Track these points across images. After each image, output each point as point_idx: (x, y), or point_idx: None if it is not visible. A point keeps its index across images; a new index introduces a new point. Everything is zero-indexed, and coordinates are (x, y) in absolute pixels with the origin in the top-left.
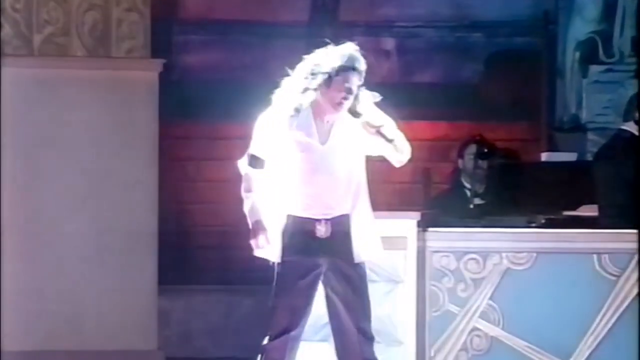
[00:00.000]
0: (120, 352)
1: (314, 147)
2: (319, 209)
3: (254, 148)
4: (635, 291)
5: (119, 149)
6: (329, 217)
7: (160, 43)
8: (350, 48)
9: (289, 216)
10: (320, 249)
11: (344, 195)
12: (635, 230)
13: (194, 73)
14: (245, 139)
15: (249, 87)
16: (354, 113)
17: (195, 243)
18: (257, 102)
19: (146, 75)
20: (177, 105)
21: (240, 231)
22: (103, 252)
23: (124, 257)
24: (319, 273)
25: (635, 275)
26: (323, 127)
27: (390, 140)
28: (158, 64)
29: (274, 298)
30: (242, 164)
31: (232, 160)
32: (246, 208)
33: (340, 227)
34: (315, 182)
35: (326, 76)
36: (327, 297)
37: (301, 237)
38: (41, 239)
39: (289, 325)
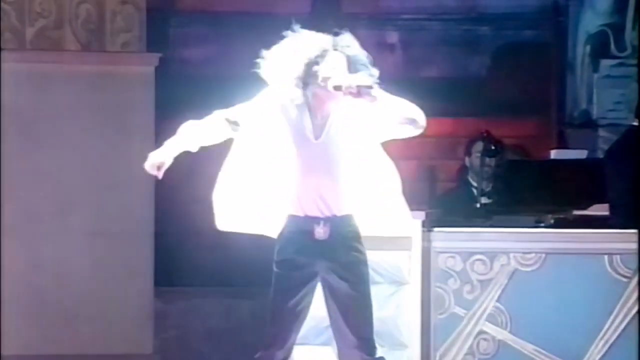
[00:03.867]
0: (116, 356)
1: (308, 142)
2: (317, 208)
3: (233, 113)
4: None
5: (114, 146)
6: (329, 216)
7: (157, 36)
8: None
9: (289, 216)
10: (318, 251)
11: (344, 193)
12: (635, 230)
13: (192, 67)
14: None
15: (248, 81)
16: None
17: (192, 243)
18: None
19: (142, 69)
20: (174, 101)
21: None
22: (97, 253)
23: (119, 258)
24: (314, 274)
25: None
26: (317, 121)
27: (372, 98)
28: (154, 58)
29: (271, 300)
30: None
31: None
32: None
33: (341, 228)
34: (311, 180)
35: (313, 68)
36: (326, 301)
37: (299, 236)
38: (34, 240)
39: (283, 330)
